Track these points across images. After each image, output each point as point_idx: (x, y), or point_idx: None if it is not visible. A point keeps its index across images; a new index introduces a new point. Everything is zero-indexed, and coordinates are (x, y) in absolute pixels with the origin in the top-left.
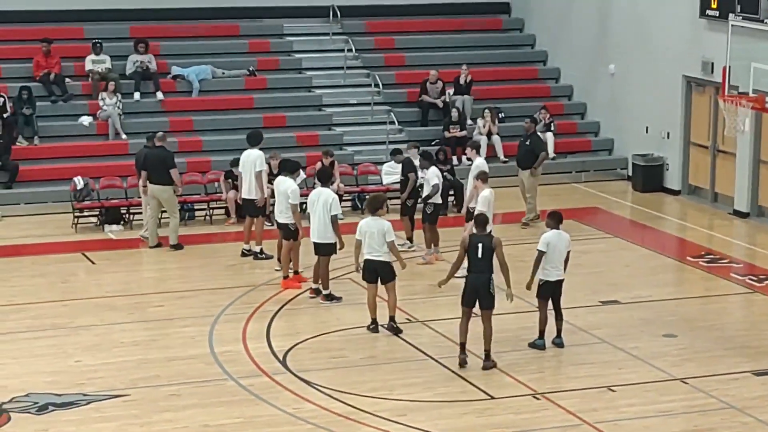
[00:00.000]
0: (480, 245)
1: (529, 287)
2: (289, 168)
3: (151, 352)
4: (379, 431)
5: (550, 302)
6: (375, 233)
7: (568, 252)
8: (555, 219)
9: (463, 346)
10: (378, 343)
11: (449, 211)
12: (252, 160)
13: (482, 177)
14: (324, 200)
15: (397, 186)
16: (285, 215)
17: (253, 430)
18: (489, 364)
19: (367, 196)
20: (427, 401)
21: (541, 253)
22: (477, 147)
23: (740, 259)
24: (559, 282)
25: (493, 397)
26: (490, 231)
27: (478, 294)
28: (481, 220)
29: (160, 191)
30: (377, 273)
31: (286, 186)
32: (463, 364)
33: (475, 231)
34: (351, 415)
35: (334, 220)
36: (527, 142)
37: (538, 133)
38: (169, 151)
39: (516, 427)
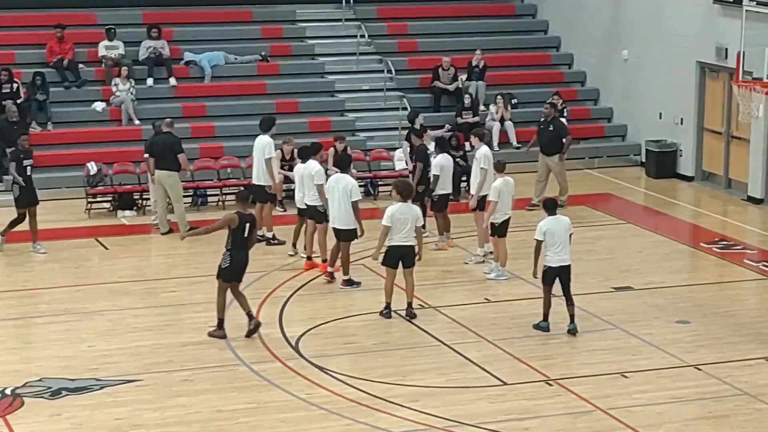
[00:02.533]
0: None
1: (535, 275)
2: (312, 150)
3: (164, 338)
4: (392, 417)
5: (558, 287)
6: (408, 219)
7: (571, 235)
8: (550, 206)
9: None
10: (391, 328)
11: (462, 197)
12: (261, 147)
13: (497, 166)
14: (344, 186)
15: (408, 172)
16: (311, 197)
17: (265, 415)
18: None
19: (391, 182)
20: (440, 387)
21: (538, 242)
22: (480, 135)
23: (754, 245)
24: (564, 267)
25: (506, 383)
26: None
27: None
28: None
29: (165, 177)
30: (402, 258)
31: (311, 167)
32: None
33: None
34: (364, 400)
35: (355, 206)
36: (550, 128)
37: (558, 118)
38: (176, 137)
39: (529, 413)
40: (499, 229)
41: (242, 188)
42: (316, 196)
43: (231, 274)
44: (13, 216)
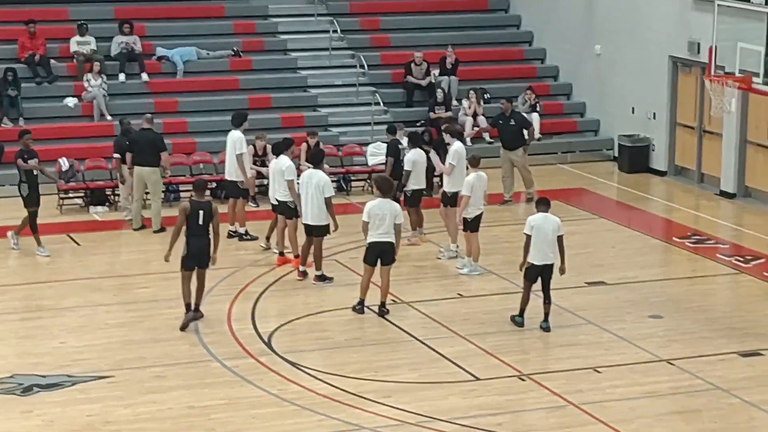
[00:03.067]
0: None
1: (521, 268)
2: (284, 146)
3: (136, 334)
4: (365, 412)
5: (539, 284)
6: (387, 215)
7: (561, 236)
8: (543, 204)
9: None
10: (363, 324)
11: (435, 192)
12: (233, 142)
13: (471, 161)
14: (317, 182)
15: (382, 167)
16: (282, 193)
17: (237, 411)
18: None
19: (364, 178)
20: (412, 382)
21: (528, 237)
22: (452, 132)
23: (727, 239)
24: (546, 266)
25: (478, 379)
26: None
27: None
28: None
29: (149, 173)
30: (381, 255)
31: (282, 163)
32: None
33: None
34: (336, 396)
35: (328, 202)
36: (512, 122)
37: (516, 111)
38: (158, 134)
39: (501, 409)
40: (472, 225)
41: (200, 179)
42: (287, 191)
43: (188, 262)
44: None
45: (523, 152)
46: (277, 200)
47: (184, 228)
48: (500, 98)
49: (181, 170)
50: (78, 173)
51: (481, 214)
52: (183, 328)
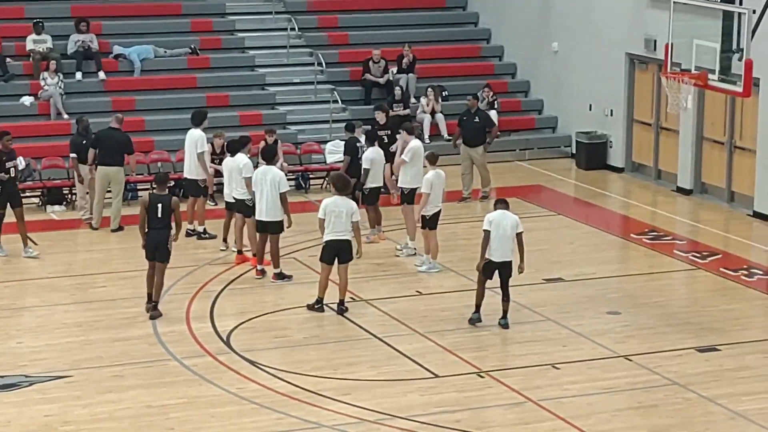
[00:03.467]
0: None
1: (478, 268)
2: (240, 144)
3: (93, 333)
4: (324, 410)
5: (496, 281)
6: (343, 213)
7: (520, 234)
8: (502, 203)
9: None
10: (322, 322)
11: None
12: (193, 140)
13: (429, 158)
14: (272, 178)
15: (341, 165)
16: (239, 191)
17: (196, 410)
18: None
19: (322, 176)
20: (371, 380)
21: (486, 233)
22: (408, 129)
23: (683, 235)
24: (505, 263)
25: (437, 376)
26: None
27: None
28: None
29: (114, 173)
30: (337, 253)
31: (239, 160)
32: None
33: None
34: (295, 394)
35: (284, 197)
36: (476, 119)
37: (481, 108)
38: (127, 135)
39: (460, 406)
40: (430, 222)
41: (161, 173)
42: (244, 189)
43: (146, 253)
44: None
45: (483, 150)
46: (234, 198)
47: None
48: (459, 96)
49: (139, 169)
50: (35, 172)
51: (439, 212)
52: (152, 318)
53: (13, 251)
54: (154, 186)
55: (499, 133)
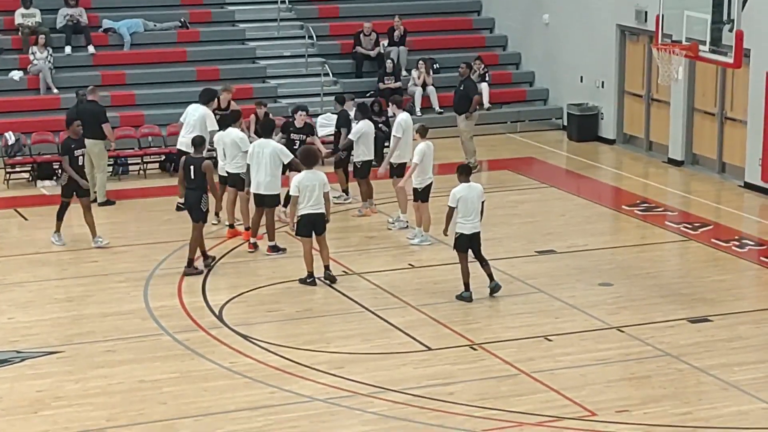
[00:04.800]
0: None
1: (445, 233)
2: (231, 118)
3: (85, 308)
4: (317, 384)
5: (471, 254)
6: (316, 186)
7: (483, 202)
8: (464, 172)
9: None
10: (314, 295)
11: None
12: (200, 118)
13: (420, 131)
14: (270, 151)
15: (332, 138)
16: (235, 165)
17: (189, 384)
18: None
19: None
20: (363, 353)
21: (451, 209)
22: (398, 102)
23: (675, 207)
24: (475, 234)
25: (430, 349)
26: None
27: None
28: None
29: (91, 145)
30: (314, 226)
31: (234, 135)
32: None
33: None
34: (288, 368)
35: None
36: (461, 87)
37: (472, 78)
38: (101, 106)
39: (453, 378)
40: (422, 194)
41: (197, 135)
42: (238, 163)
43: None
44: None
45: (465, 118)
46: (227, 172)
47: None
48: (450, 68)
49: (130, 143)
50: (24, 147)
51: (431, 184)
52: (186, 274)
53: (2, 226)
54: (193, 149)
55: (484, 103)
